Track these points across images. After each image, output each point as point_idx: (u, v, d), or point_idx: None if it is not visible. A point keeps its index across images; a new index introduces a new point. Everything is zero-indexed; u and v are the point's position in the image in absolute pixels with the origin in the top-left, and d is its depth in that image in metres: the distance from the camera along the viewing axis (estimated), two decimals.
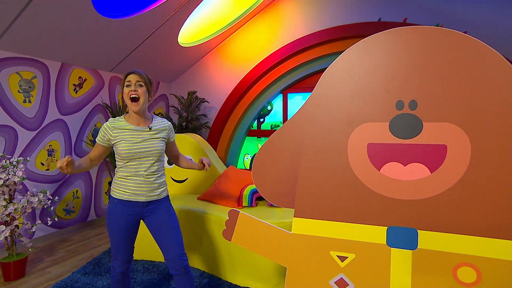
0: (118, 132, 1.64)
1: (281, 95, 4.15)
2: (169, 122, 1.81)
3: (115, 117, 1.67)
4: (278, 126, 4.21)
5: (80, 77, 3.82)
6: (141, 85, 1.61)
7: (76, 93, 3.78)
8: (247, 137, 4.30)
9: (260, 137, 4.34)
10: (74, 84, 3.77)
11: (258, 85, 4.03)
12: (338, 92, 1.60)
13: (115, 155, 1.67)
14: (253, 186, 2.84)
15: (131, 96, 1.59)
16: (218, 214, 2.59)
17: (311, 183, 1.59)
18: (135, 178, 1.63)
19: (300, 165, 1.59)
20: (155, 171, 1.67)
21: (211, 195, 3.05)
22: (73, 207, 3.85)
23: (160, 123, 1.77)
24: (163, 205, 1.73)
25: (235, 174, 3.15)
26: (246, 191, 2.82)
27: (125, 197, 1.66)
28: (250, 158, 4.31)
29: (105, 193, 4.23)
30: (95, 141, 1.78)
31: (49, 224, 3.37)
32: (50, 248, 3.35)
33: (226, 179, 3.08)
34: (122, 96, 1.66)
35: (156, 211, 1.72)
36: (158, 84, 4.78)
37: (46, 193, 2.92)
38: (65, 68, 3.66)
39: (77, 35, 3.19)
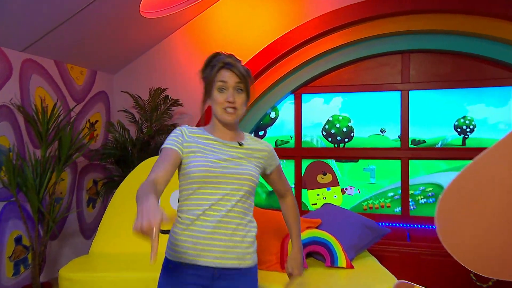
0: (195, 139, 1.46)
1: (291, 97, 3.78)
2: (270, 145, 1.61)
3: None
4: (287, 141, 3.81)
5: None
6: (240, 90, 1.45)
7: None
8: None
9: None
10: None
11: (258, 83, 3.58)
12: None
13: (181, 182, 1.47)
14: (302, 236, 2.28)
15: (227, 108, 1.43)
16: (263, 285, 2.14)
17: None
18: (207, 220, 1.41)
19: None
20: (241, 213, 1.46)
21: None
22: None
23: (256, 142, 1.57)
24: (247, 285, 1.49)
25: (262, 218, 2.51)
26: (291, 245, 2.36)
27: (187, 257, 1.41)
28: None
29: (9, 258, 3.02)
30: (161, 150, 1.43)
31: None
32: None
33: (262, 219, 2.63)
34: (204, 98, 1.50)
35: None
36: (95, 74, 3.97)
37: None
38: None
39: None
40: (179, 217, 1.46)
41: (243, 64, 1.41)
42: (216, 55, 1.48)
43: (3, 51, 2.96)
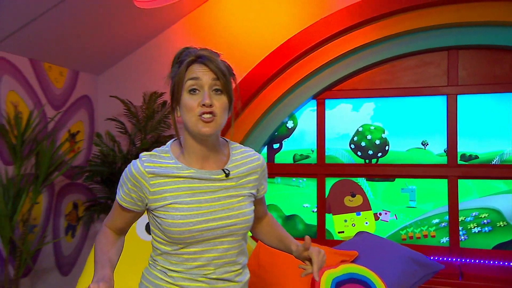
0: (162, 183, 1.33)
1: (313, 103, 3.76)
2: (259, 155, 1.53)
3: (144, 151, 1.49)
4: (308, 156, 3.78)
5: None
6: (219, 91, 1.31)
7: None
8: None
9: (273, 177, 3.86)
10: None
11: (272, 87, 3.62)
12: None
13: (153, 232, 1.41)
14: (336, 272, 2.34)
15: (203, 114, 1.28)
16: None
17: None
18: (197, 280, 1.36)
19: None
20: (236, 264, 1.42)
21: None
22: None
23: (243, 156, 1.46)
24: None
25: (279, 260, 2.51)
26: (326, 282, 2.30)
27: None
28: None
29: None
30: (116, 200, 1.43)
31: None
32: None
33: (272, 260, 2.49)
34: (172, 106, 1.38)
35: None
36: (77, 76, 3.94)
37: None
38: None
39: None
40: (157, 268, 1.41)
41: (223, 61, 1.32)
42: (186, 49, 1.37)
43: None
